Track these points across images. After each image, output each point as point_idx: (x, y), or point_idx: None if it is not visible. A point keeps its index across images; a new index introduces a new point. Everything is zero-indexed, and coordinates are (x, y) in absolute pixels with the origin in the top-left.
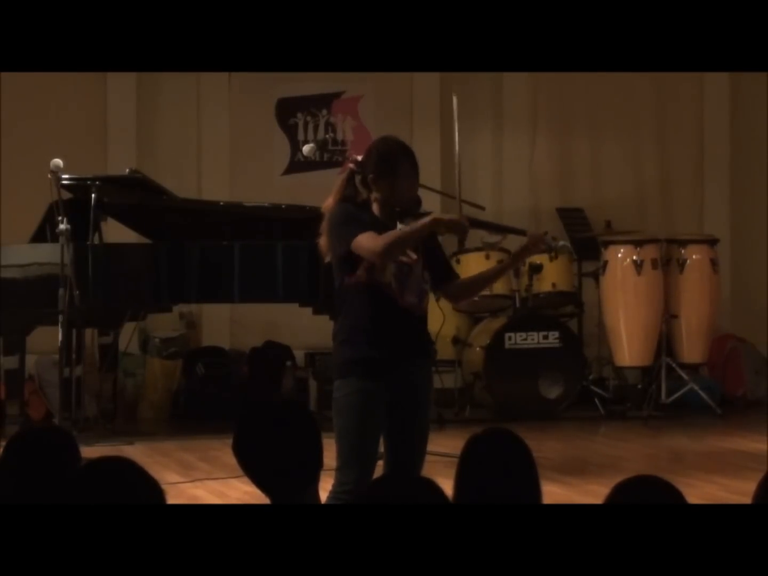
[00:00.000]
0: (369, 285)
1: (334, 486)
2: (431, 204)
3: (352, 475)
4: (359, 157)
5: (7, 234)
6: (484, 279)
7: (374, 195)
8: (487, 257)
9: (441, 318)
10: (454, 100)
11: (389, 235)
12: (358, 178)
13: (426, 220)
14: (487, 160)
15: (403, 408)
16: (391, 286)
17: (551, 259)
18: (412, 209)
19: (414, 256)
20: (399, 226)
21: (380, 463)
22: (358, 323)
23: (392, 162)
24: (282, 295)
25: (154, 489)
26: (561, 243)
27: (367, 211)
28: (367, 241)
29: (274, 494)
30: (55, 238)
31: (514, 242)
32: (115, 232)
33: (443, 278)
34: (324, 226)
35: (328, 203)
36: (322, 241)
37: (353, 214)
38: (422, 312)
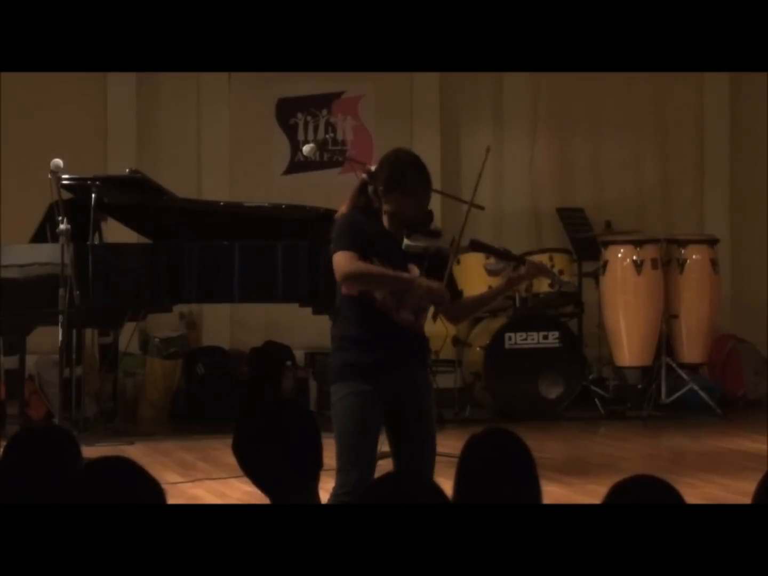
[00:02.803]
0: (361, 299)
1: (334, 488)
2: (431, 204)
3: (352, 477)
4: (372, 168)
5: (7, 234)
6: (482, 302)
7: (384, 207)
8: (487, 257)
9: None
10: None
11: (364, 267)
12: (370, 189)
13: (405, 277)
14: (487, 160)
15: (404, 415)
16: (385, 302)
17: (559, 289)
18: (422, 225)
19: (416, 272)
20: (405, 241)
21: (384, 462)
22: (350, 333)
23: (400, 176)
24: (282, 295)
25: (154, 489)
26: (566, 280)
27: (377, 222)
28: (341, 259)
29: (274, 494)
30: (55, 238)
31: (517, 243)
32: (115, 232)
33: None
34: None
35: (340, 211)
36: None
37: (355, 225)
38: (418, 329)
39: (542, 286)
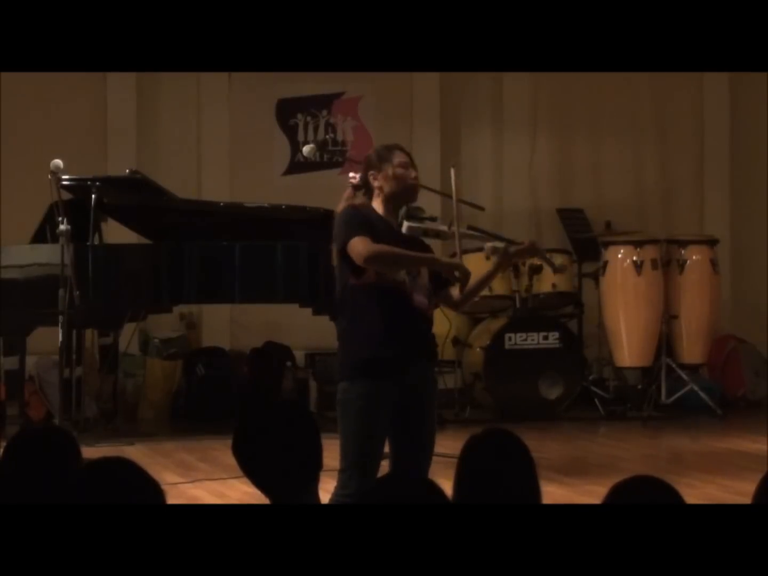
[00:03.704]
0: (379, 286)
1: (336, 488)
2: (431, 204)
3: (355, 479)
4: (358, 175)
5: (7, 234)
6: (480, 284)
7: (378, 193)
8: (488, 258)
9: (441, 318)
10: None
11: (383, 247)
12: (360, 193)
13: (427, 255)
14: (487, 160)
15: (409, 411)
16: (406, 284)
17: (554, 272)
18: (418, 212)
19: None
20: (405, 224)
21: (384, 463)
22: (367, 324)
23: (386, 153)
24: (282, 296)
25: (154, 489)
26: (560, 262)
27: (373, 211)
28: (358, 243)
29: (273, 495)
30: (55, 239)
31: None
32: (115, 232)
33: (443, 285)
34: (335, 229)
35: (337, 210)
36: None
37: (360, 217)
38: (430, 314)
39: (542, 286)
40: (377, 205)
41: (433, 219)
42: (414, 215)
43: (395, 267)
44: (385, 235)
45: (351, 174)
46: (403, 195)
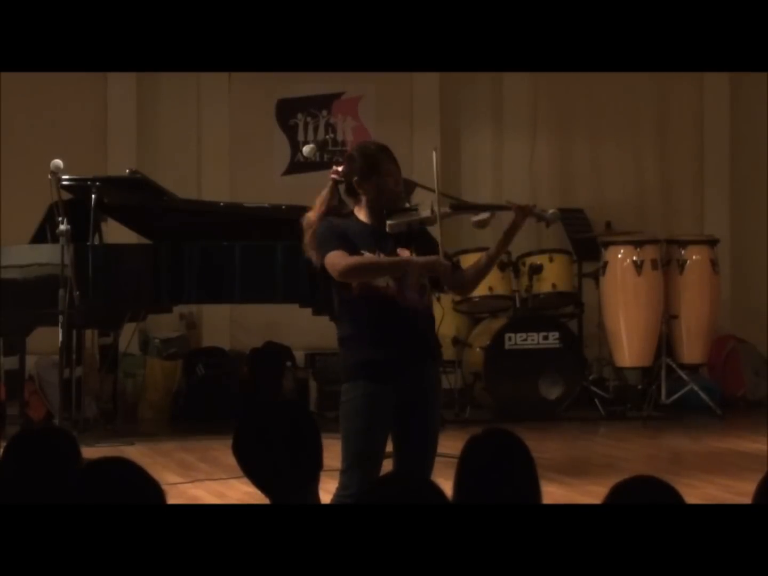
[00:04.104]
0: (365, 295)
1: (337, 489)
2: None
3: (357, 479)
4: (340, 168)
5: (7, 234)
6: (487, 264)
7: (362, 198)
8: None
9: (441, 317)
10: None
11: (357, 258)
12: (342, 188)
13: (400, 259)
14: (487, 160)
15: (412, 411)
16: (389, 287)
17: (547, 225)
18: (398, 205)
19: (406, 253)
20: (388, 222)
21: (387, 462)
22: (362, 332)
23: (375, 162)
24: (282, 296)
25: (154, 489)
26: (551, 212)
27: (354, 221)
28: (333, 258)
29: (273, 495)
30: (55, 239)
31: (517, 244)
32: (115, 232)
33: (437, 282)
34: (309, 241)
35: (308, 217)
36: (314, 256)
37: (335, 229)
38: (425, 307)
39: (542, 286)
40: (360, 211)
41: (414, 207)
42: (395, 210)
43: (370, 277)
44: (366, 242)
45: (334, 167)
46: (388, 203)
